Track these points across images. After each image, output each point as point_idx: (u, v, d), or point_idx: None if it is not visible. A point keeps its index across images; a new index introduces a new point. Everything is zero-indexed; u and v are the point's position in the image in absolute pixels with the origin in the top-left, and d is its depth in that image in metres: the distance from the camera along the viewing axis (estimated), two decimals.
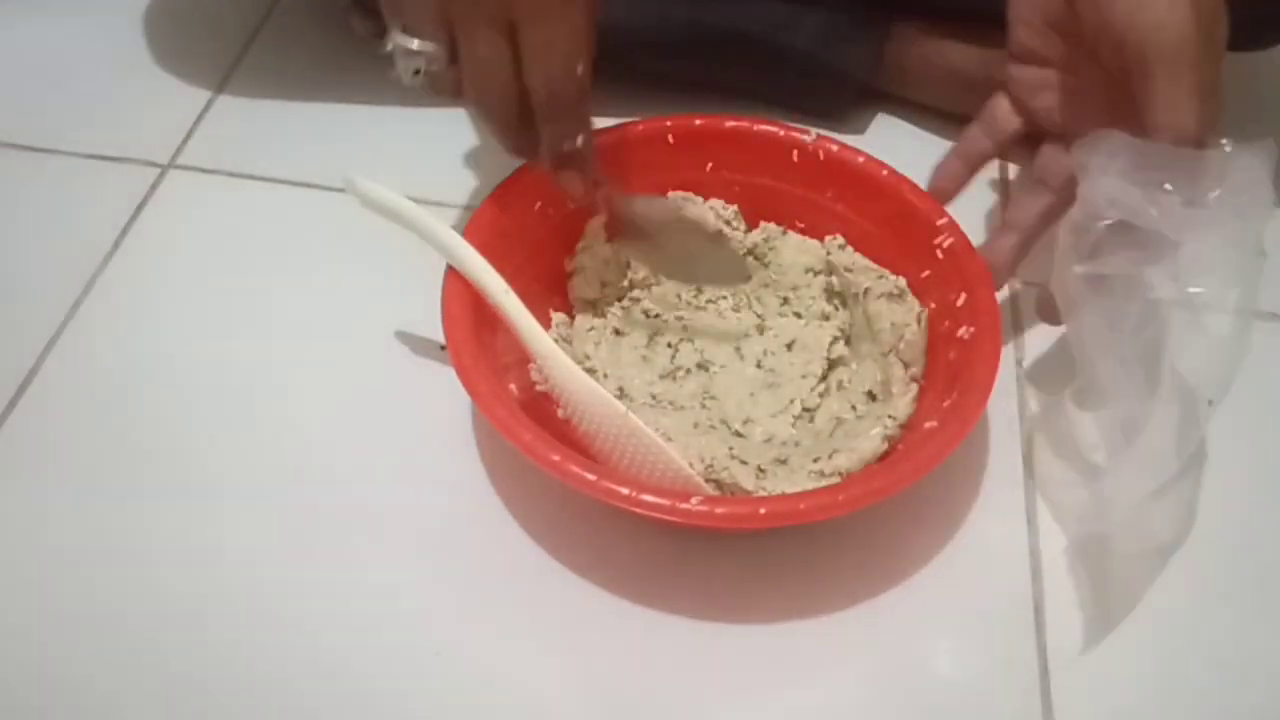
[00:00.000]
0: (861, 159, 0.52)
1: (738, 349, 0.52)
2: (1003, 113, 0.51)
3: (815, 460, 0.45)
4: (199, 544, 0.47)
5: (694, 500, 0.40)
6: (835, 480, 0.44)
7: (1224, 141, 0.42)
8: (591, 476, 0.41)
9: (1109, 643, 0.44)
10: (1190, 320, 0.40)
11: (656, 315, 0.53)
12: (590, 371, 0.48)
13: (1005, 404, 0.51)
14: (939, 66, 0.61)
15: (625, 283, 0.53)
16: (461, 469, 0.49)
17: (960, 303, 0.47)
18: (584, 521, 0.47)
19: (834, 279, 0.52)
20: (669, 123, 0.53)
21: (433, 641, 0.44)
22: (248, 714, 0.42)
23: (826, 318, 0.52)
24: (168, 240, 0.59)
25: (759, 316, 0.53)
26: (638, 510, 0.40)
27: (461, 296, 0.47)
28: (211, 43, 0.69)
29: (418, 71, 0.44)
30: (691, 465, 0.45)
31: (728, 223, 0.54)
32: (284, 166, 0.62)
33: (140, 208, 0.60)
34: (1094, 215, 0.42)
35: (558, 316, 0.53)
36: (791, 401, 0.49)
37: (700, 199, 0.54)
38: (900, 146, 0.54)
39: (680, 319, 0.53)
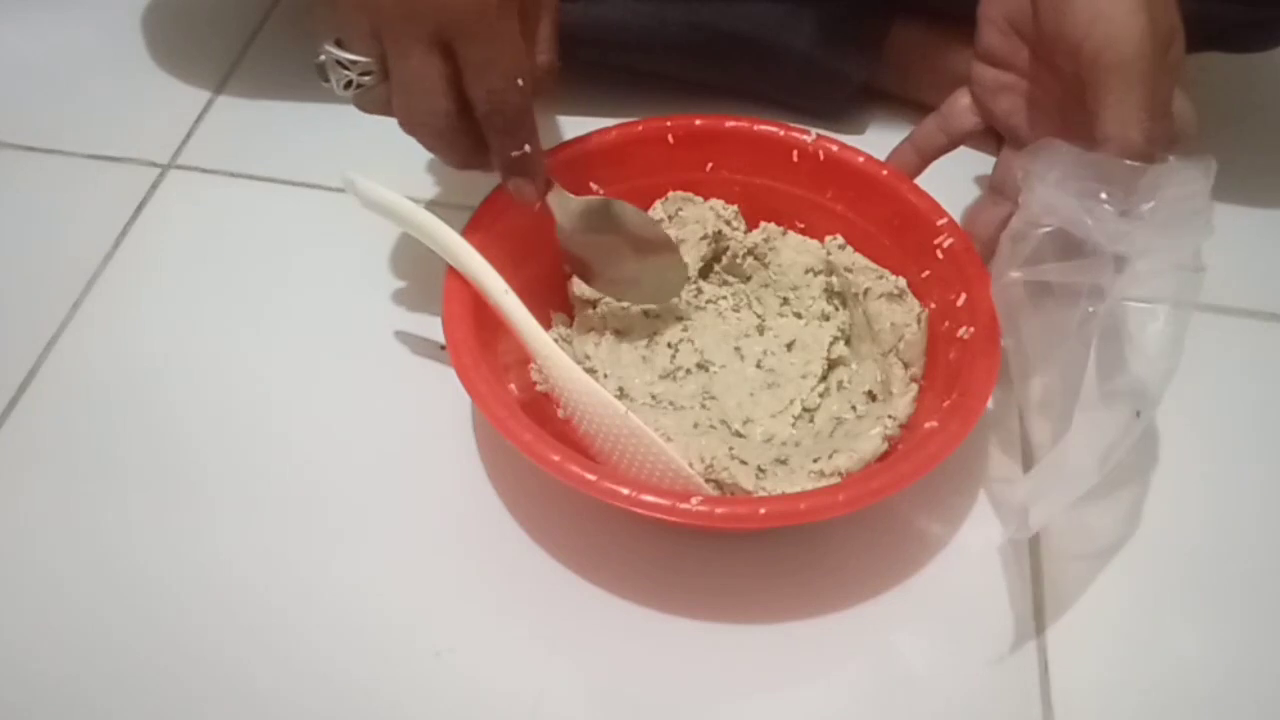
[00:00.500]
0: (861, 159, 0.52)
1: (738, 349, 0.52)
2: (960, 109, 0.51)
3: (815, 460, 0.45)
4: (198, 544, 0.47)
5: (694, 500, 0.40)
6: (835, 480, 0.44)
7: (1170, 158, 0.42)
8: (591, 476, 0.41)
9: (1109, 643, 0.44)
10: (1124, 330, 0.40)
11: (656, 315, 0.53)
12: (590, 371, 0.48)
13: (1005, 404, 0.51)
14: (939, 66, 0.61)
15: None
16: (461, 469, 0.49)
17: (960, 303, 0.47)
18: (584, 521, 0.47)
19: (834, 279, 0.52)
20: (669, 123, 0.53)
21: (432, 642, 0.44)
22: (244, 716, 0.42)
23: (826, 318, 0.52)
24: (168, 240, 0.59)
25: (759, 316, 0.53)
26: (638, 510, 0.40)
27: (461, 296, 0.47)
28: (211, 43, 0.69)
29: (349, 84, 0.44)
30: (691, 465, 0.45)
31: (728, 223, 0.54)
32: (284, 166, 0.62)
33: (140, 208, 0.60)
34: (1032, 223, 0.43)
35: (558, 316, 0.53)
36: (791, 401, 0.49)
37: (700, 199, 0.54)
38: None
39: (680, 319, 0.53)
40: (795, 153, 0.53)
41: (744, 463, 0.45)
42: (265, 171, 0.62)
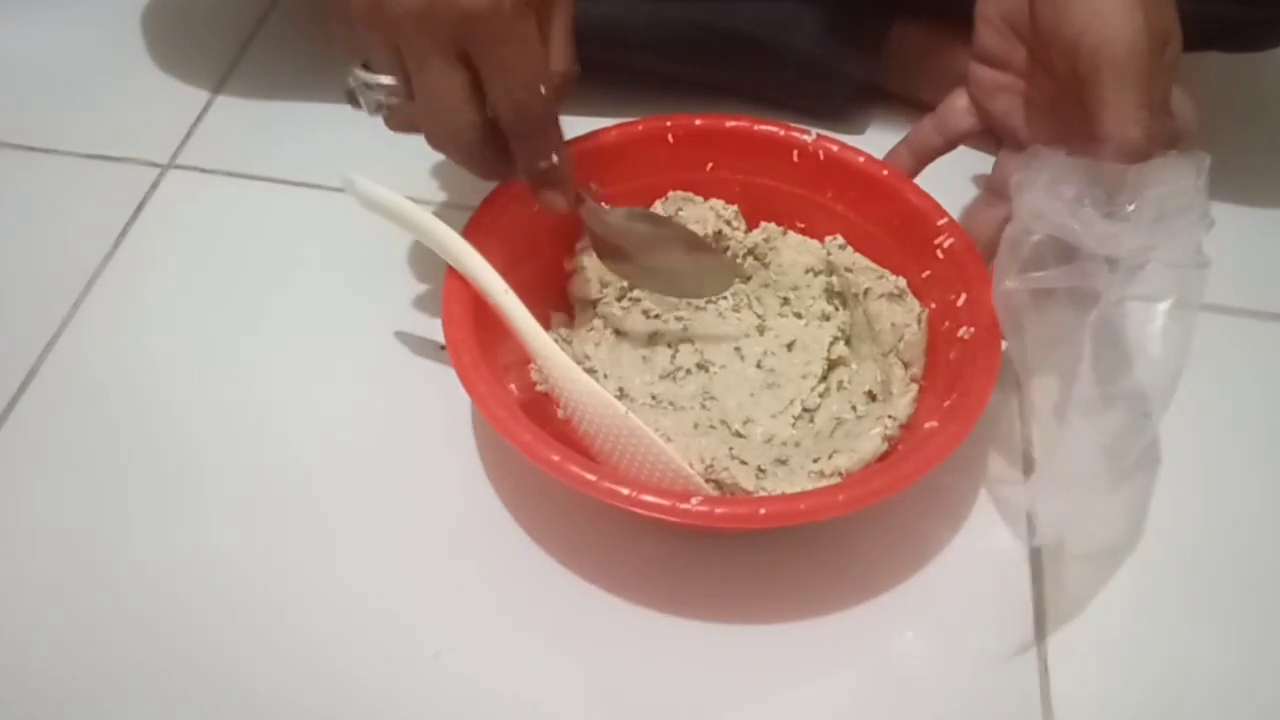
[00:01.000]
0: (861, 159, 0.52)
1: (738, 349, 0.52)
2: (957, 110, 0.51)
3: (815, 460, 0.45)
4: (197, 543, 0.47)
5: (694, 500, 0.40)
6: (835, 480, 0.44)
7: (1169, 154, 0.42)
8: (591, 476, 0.41)
9: (1110, 643, 0.44)
10: (1128, 331, 0.40)
11: (656, 315, 0.53)
12: (590, 371, 0.48)
13: (1005, 404, 0.51)
14: (939, 66, 0.61)
15: (625, 283, 0.53)
16: (461, 469, 0.49)
17: (960, 303, 0.47)
18: (584, 522, 0.47)
19: (834, 279, 0.52)
20: (669, 123, 0.53)
21: (432, 642, 0.44)
22: (244, 716, 0.42)
23: (827, 318, 0.52)
24: (168, 240, 0.59)
25: (759, 316, 0.53)
26: (638, 510, 0.40)
27: (461, 296, 0.47)
28: (211, 43, 0.69)
29: (380, 105, 0.44)
30: (691, 465, 0.45)
31: (728, 223, 0.54)
32: (284, 166, 0.62)
33: (140, 208, 0.60)
34: (1025, 230, 0.43)
35: (558, 316, 0.53)
36: (791, 402, 0.49)
37: (700, 199, 0.54)
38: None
39: (680, 319, 0.52)
40: (795, 153, 0.53)
41: (744, 463, 0.45)
42: (265, 171, 0.62)
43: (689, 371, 0.50)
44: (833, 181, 0.53)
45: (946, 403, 0.45)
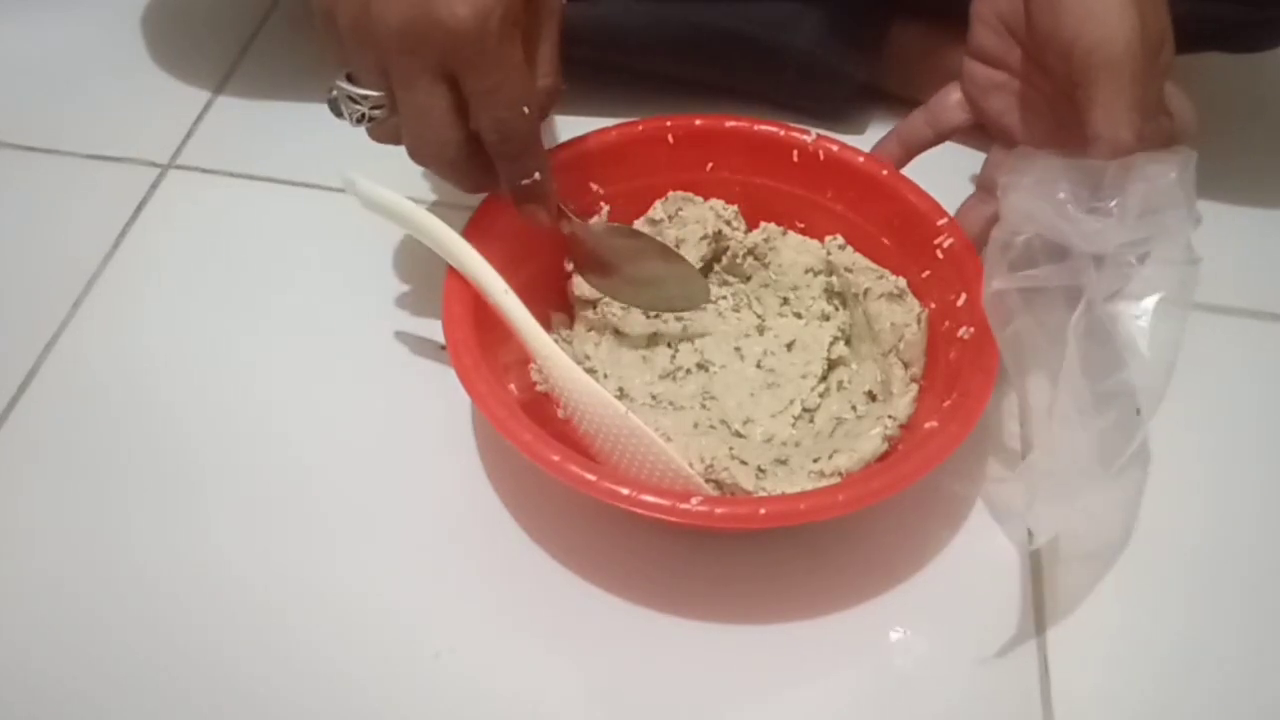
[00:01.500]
0: (861, 159, 0.52)
1: (738, 349, 0.52)
2: (950, 104, 0.51)
3: (815, 460, 0.45)
4: (197, 543, 0.47)
5: (694, 500, 0.40)
6: (835, 480, 0.44)
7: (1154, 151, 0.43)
8: (591, 476, 0.41)
9: (1110, 643, 0.44)
10: (1118, 329, 0.40)
11: (656, 315, 0.53)
12: (590, 371, 0.48)
13: (1005, 404, 0.51)
14: (939, 66, 0.61)
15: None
16: (461, 469, 0.49)
17: (960, 303, 0.47)
18: (584, 522, 0.47)
19: (834, 279, 0.52)
20: (669, 123, 0.53)
21: (432, 642, 0.44)
22: (244, 717, 0.42)
23: (826, 318, 0.52)
24: (168, 240, 0.59)
25: (759, 316, 0.53)
26: (638, 510, 0.40)
27: (461, 296, 0.47)
28: (211, 43, 0.69)
29: (363, 117, 0.44)
30: (691, 465, 0.45)
31: (728, 223, 0.54)
32: (284, 166, 0.62)
33: (140, 208, 0.60)
34: (1013, 231, 0.43)
35: (558, 316, 0.53)
36: (791, 402, 0.49)
37: (700, 199, 0.54)
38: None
39: (680, 319, 0.53)
40: (795, 153, 0.53)
41: (744, 463, 0.45)
42: (265, 171, 0.62)
43: (689, 371, 0.51)
44: (833, 181, 0.53)
45: (946, 403, 0.45)
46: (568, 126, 0.62)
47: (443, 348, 0.46)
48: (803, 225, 0.54)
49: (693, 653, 0.44)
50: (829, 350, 0.51)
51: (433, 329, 0.54)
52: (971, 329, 0.46)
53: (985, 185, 0.50)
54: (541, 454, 0.41)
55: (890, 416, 0.46)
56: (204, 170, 0.62)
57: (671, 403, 0.49)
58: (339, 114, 0.45)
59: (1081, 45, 0.42)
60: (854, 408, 0.49)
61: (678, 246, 0.54)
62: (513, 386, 0.47)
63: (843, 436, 0.47)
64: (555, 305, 0.53)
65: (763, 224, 0.55)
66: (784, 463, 0.46)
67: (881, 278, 0.51)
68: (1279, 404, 0.52)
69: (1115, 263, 0.41)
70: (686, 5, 0.60)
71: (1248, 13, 0.55)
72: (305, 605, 0.45)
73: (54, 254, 0.58)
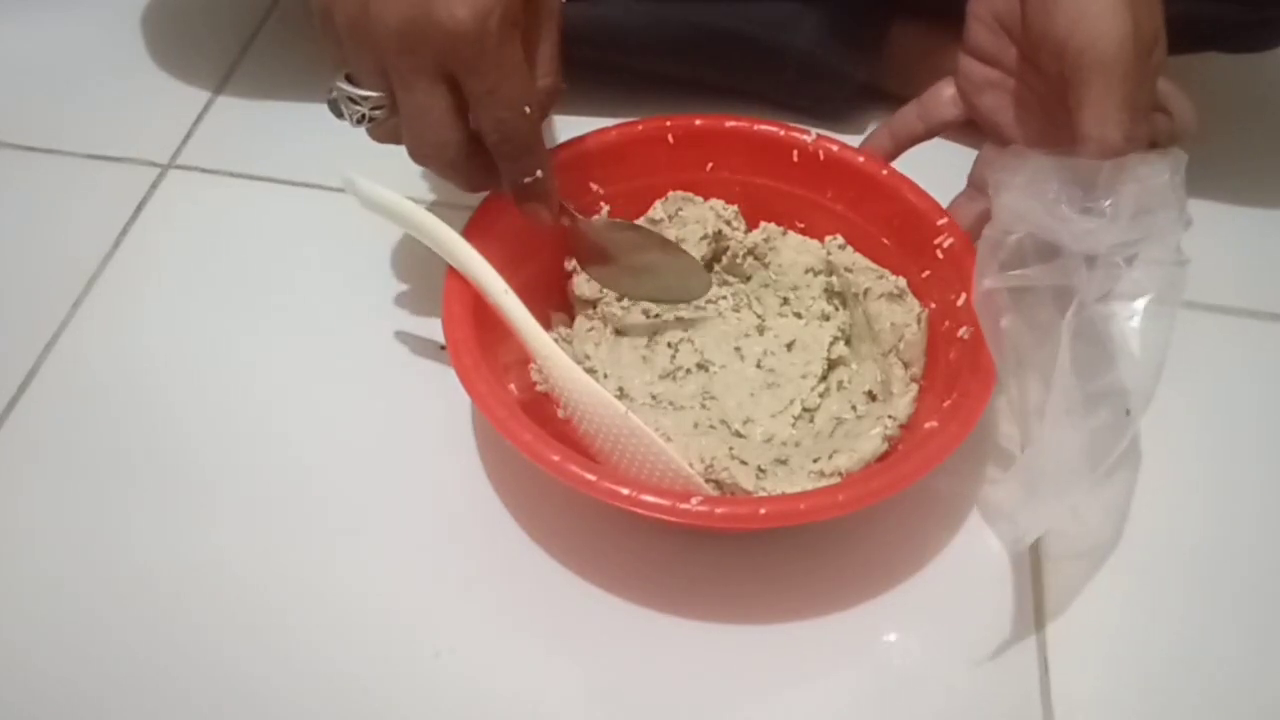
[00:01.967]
0: (861, 159, 0.52)
1: (738, 349, 0.52)
2: (943, 99, 0.51)
3: (815, 460, 0.45)
4: (197, 543, 0.47)
5: (694, 500, 0.40)
6: (835, 480, 0.44)
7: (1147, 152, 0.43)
8: (591, 476, 0.41)
9: (1109, 643, 0.44)
10: (1107, 329, 0.40)
11: (656, 315, 0.53)
12: (590, 371, 0.48)
13: (1004, 404, 0.51)
14: (938, 66, 0.61)
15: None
16: (461, 469, 0.49)
17: (960, 303, 0.47)
18: (584, 522, 0.47)
19: (834, 279, 0.52)
20: (669, 123, 0.53)
21: (432, 643, 0.44)
22: (244, 717, 0.42)
23: (826, 318, 0.52)
24: (167, 240, 0.59)
25: (759, 316, 0.53)
26: (638, 510, 0.40)
27: (461, 296, 0.47)
28: (211, 43, 0.69)
29: (363, 118, 0.44)
30: (691, 465, 0.45)
31: (728, 223, 0.54)
32: (284, 166, 0.62)
33: (140, 208, 0.60)
34: (1004, 230, 0.43)
35: (558, 316, 0.53)
36: (791, 401, 0.49)
37: (700, 199, 0.54)
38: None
39: (680, 319, 0.53)
40: (795, 153, 0.53)
41: (744, 463, 0.45)
42: (265, 171, 0.62)
43: (689, 371, 0.51)
44: (833, 181, 0.53)
45: (946, 403, 0.45)
46: (568, 126, 0.62)
47: (443, 348, 0.46)
48: (803, 225, 0.54)
49: (693, 653, 0.44)
50: (829, 350, 0.51)
51: (433, 329, 0.54)
52: (971, 329, 0.46)
53: (976, 182, 0.50)
54: (541, 454, 0.41)
55: (890, 416, 0.46)
56: (204, 170, 0.62)
57: (671, 403, 0.49)
58: (339, 115, 0.45)
59: (1074, 44, 0.42)
60: (854, 408, 0.49)
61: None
62: (513, 386, 0.47)
63: (843, 436, 0.47)
64: (555, 305, 0.53)
65: (763, 224, 0.55)
66: (784, 463, 0.46)
67: (881, 278, 0.51)
68: (1279, 404, 0.52)
69: (1107, 263, 0.41)
70: (686, 5, 0.60)
71: (1247, 13, 0.55)
72: (305, 605, 0.45)
73: (54, 254, 0.58)
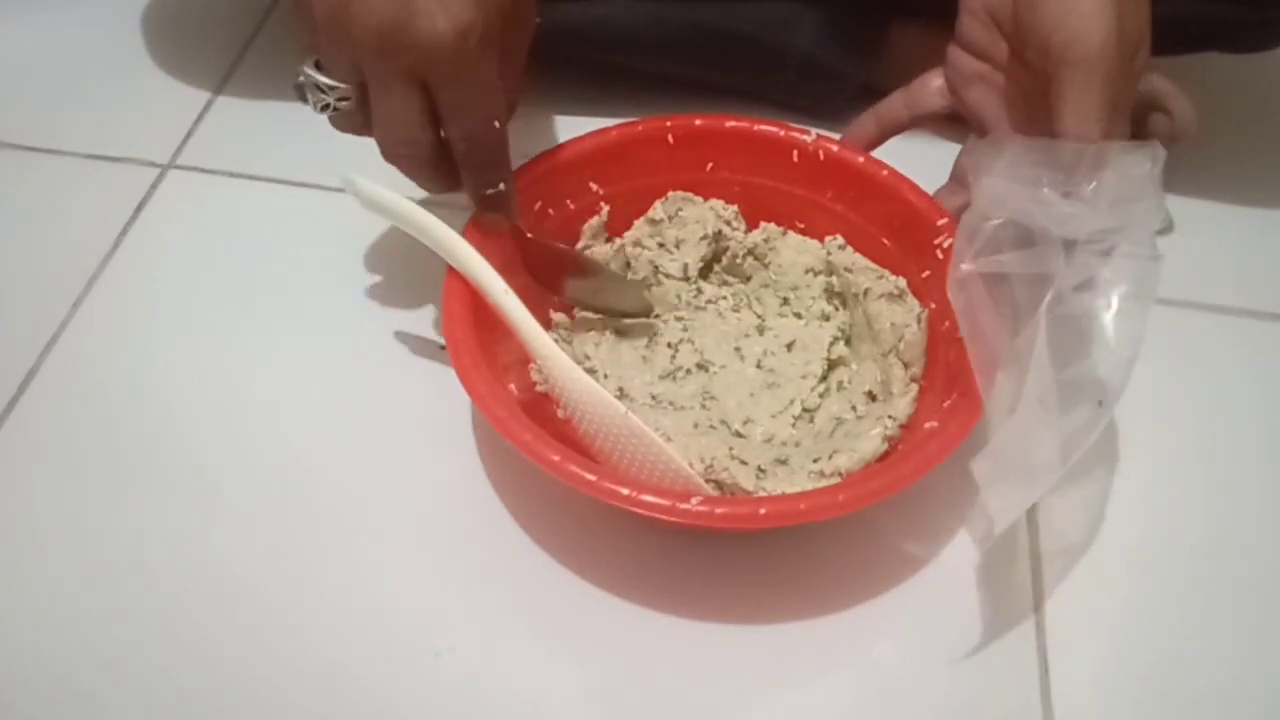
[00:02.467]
0: (861, 159, 0.52)
1: (738, 349, 0.52)
2: (930, 90, 0.51)
3: (815, 460, 0.45)
4: (197, 544, 0.47)
5: (694, 500, 0.40)
6: (835, 480, 0.44)
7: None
8: (591, 476, 0.41)
9: (1110, 642, 0.44)
10: (1080, 319, 0.40)
11: (656, 315, 0.53)
12: (590, 371, 0.48)
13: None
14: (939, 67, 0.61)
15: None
16: (461, 469, 0.49)
17: None
18: (584, 522, 0.47)
19: (834, 279, 0.52)
20: (669, 123, 0.53)
21: (432, 643, 0.44)
22: (245, 716, 0.42)
23: (826, 318, 0.52)
24: (167, 240, 0.59)
25: (759, 316, 0.53)
26: (638, 510, 0.40)
27: (461, 296, 0.47)
28: (211, 43, 0.69)
29: (327, 106, 0.45)
30: (691, 465, 0.45)
31: (728, 223, 0.54)
32: (284, 166, 0.62)
33: (140, 208, 0.60)
34: (983, 216, 0.43)
35: (558, 316, 0.53)
36: (791, 402, 0.49)
37: (700, 199, 0.54)
38: (900, 147, 0.54)
39: (680, 319, 0.53)
40: (795, 153, 0.53)
41: (744, 463, 0.45)
42: (265, 171, 0.62)
43: (689, 371, 0.51)
44: (833, 181, 0.53)
45: (946, 403, 0.45)
46: (568, 126, 0.62)
47: (443, 348, 0.46)
48: (803, 225, 0.54)
49: (692, 653, 0.44)
50: (829, 350, 0.51)
51: (433, 329, 0.54)
52: None
53: (958, 176, 0.50)
54: (541, 454, 0.41)
55: (890, 416, 0.46)
56: (204, 170, 0.62)
57: (671, 403, 0.49)
58: (303, 99, 0.45)
59: (1058, 40, 0.43)
60: (854, 408, 0.49)
61: (678, 246, 0.54)
62: (513, 386, 0.47)
63: (843, 437, 0.47)
64: (555, 305, 0.53)
65: (763, 224, 0.55)
66: (784, 463, 0.46)
67: (881, 278, 0.51)
68: (1278, 404, 0.52)
69: (1085, 251, 0.40)
70: (686, 5, 0.60)
71: (1247, 13, 0.55)
72: (305, 605, 0.45)
73: (54, 254, 0.58)
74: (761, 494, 0.44)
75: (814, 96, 0.63)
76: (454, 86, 0.42)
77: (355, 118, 0.45)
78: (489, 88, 0.43)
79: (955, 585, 0.46)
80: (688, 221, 0.54)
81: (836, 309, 0.52)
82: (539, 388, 0.49)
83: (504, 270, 0.47)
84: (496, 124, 0.44)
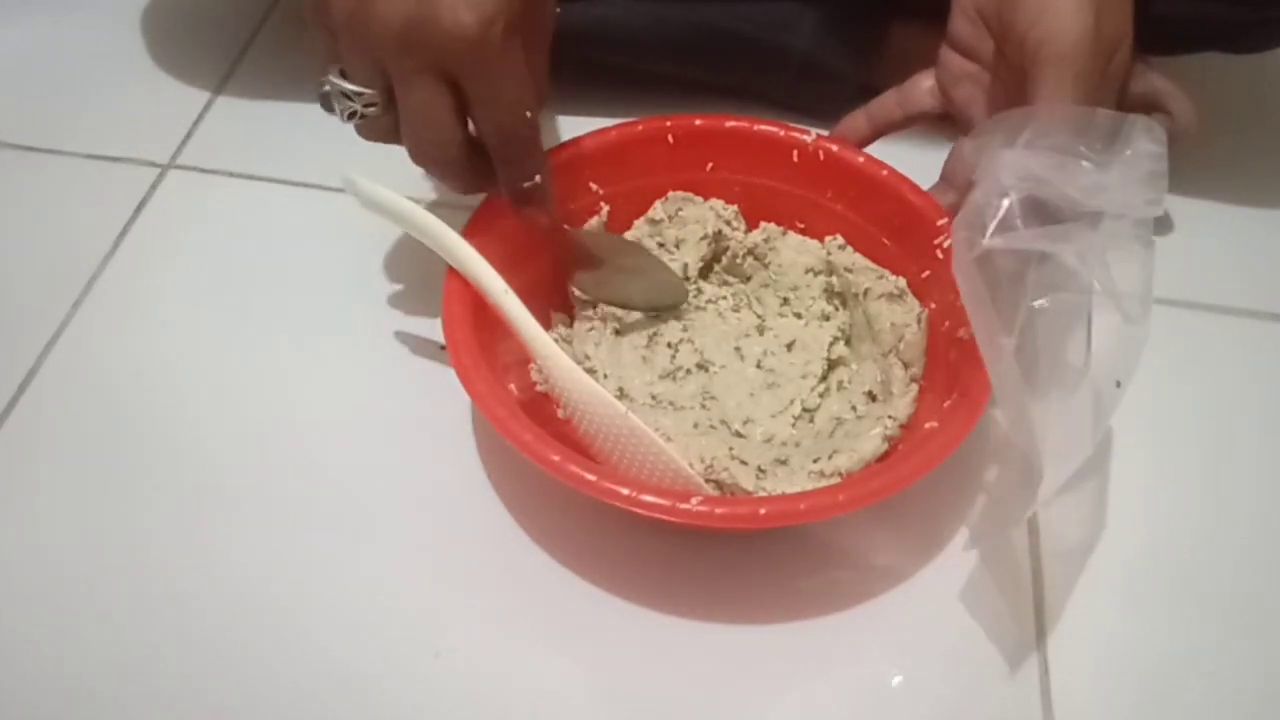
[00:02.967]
0: (861, 159, 0.52)
1: (738, 349, 0.52)
2: (922, 89, 0.52)
3: (815, 460, 0.45)
4: (197, 544, 0.47)
5: (694, 500, 0.40)
6: (835, 481, 0.44)
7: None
8: (591, 476, 0.41)
9: (1110, 642, 0.44)
10: (1092, 300, 0.40)
11: (656, 315, 0.53)
12: (590, 371, 0.48)
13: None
14: None
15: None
16: (461, 469, 0.49)
17: (960, 302, 0.47)
18: (584, 522, 0.47)
19: (834, 279, 0.52)
20: (669, 123, 0.53)
21: (432, 643, 0.44)
22: (245, 715, 0.42)
23: (826, 318, 0.52)
24: (168, 240, 0.59)
25: (759, 316, 0.53)
26: (638, 510, 0.40)
27: (461, 296, 0.47)
28: (211, 43, 0.69)
29: (354, 114, 0.44)
30: (691, 465, 0.45)
31: (728, 223, 0.54)
32: (284, 166, 0.62)
33: (140, 208, 0.60)
34: (999, 191, 0.41)
35: (558, 317, 0.53)
36: (791, 402, 0.49)
37: (700, 199, 0.54)
38: (900, 147, 0.54)
39: (680, 319, 0.53)
40: (795, 153, 0.53)
41: (744, 463, 0.45)
42: (265, 171, 0.62)
43: (689, 371, 0.51)
44: (833, 181, 0.53)
45: (947, 403, 0.45)
46: (568, 126, 0.62)
47: (443, 348, 0.46)
48: (803, 225, 0.54)
49: (693, 653, 0.44)
50: (829, 350, 0.51)
51: (433, 329, 0.54)
52: (971, 329, 0.46)
53: (948, 176, 0.50)
54: (541, 454, 0.41)
55: (890, 417, 0.46)
56: (204, 170, 0.62)
57: (671, 403, 0.49)
58: (329, 109, 0.45)
59: (1033, 37, 0.43)
60: (854, 408, 0.49)
61: (678, 246, 0.54)
62: (513, 386, 0.47)
63: (843, 437, 0.47)
64: (555, 305, 0.53)
65: (763, 224, 0.55)
66: (784, 463, 0.46)
67: (881, 278, 0.51)
68: (1278, 404, 0.52)
69: (1106, 226, 0.40)
70: (686, 5, 0.60)
71: (1247, 13, 0.55)
72: (304, 604, 0.45)
73: (54, 254, 0.58)
74: (761, 494, 0.44)
75: (814, 96, 0.63)
76: (482, 78, 0.42)
77: (382, 123, 0.45)
78: (518, 77, 0.43)
79: (955, 586, 0.46)
80: (688, 221, 0.54)
81: (836, 309, 0.52)
82: (539, 388, 0.49)
83: (504, 270, 0.47)
84: (528, 114, 0.43)
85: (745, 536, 0.47)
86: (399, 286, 0.56)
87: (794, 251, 0.54)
